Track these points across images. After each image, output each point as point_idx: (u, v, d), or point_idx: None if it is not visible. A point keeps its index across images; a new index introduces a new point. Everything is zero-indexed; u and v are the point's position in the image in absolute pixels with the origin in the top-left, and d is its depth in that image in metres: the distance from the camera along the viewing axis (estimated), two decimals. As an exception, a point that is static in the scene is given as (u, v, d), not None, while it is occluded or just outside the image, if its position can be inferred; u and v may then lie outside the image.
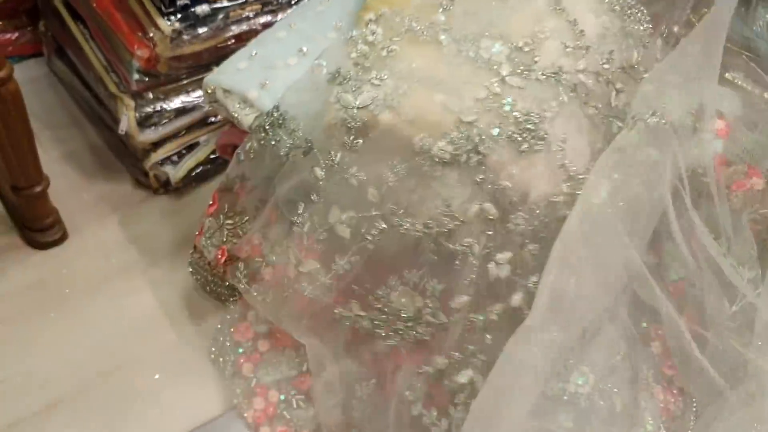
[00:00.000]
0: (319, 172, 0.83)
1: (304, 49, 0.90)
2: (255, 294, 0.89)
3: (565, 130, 0.84)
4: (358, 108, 0.81)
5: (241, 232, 0.90)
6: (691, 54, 0.83)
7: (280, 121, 0.85)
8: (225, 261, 0.91)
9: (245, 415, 0.91)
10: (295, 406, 0.92)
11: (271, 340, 0.97)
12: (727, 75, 1.00)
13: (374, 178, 0.82)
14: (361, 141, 0.82)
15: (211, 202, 0.94)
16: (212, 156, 1.12)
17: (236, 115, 0.88)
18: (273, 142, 0.85)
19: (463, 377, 0.85)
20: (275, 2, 1.06)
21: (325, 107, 0.83)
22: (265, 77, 0.88)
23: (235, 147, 0.93)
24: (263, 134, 0.86)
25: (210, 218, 0.93)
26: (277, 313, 0.89)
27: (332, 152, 0.82)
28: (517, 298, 0.84)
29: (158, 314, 1.01)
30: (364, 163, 0.82)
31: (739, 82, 0.99)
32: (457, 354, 0.85)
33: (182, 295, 1.03)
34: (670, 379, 0.88)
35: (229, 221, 0.91)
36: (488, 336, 0.84)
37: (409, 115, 0.80)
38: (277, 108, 0.86)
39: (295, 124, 0.85)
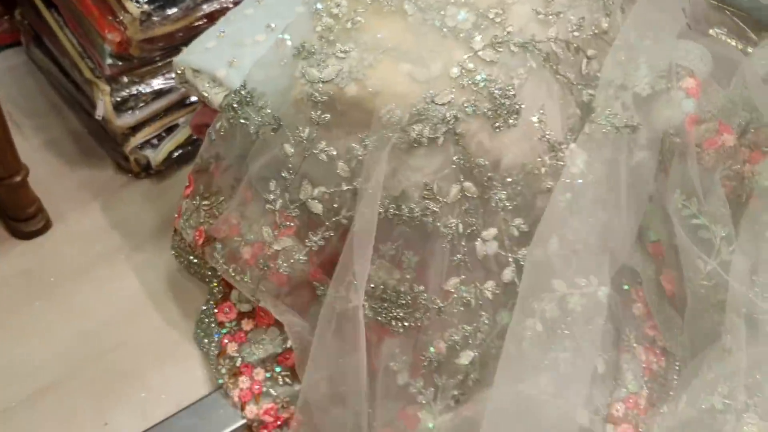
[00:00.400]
0: (289, 149, 0.83)
1: (272, 25, 0.90)
2: (233, 274, 0.89)
3: (540, 100, 0.83)
4: (323, 82, 0.80)
5: (217, 213, 0.90)
6: (652, 11, 0.82)
7: (248, 99, 0.85)
8: (203, 242, 0.91)
9: (231, 394, 0.92)
10: (281, 382, 0.93)
11: (255, 319, 0.97)
12: (710, 31, 0.99)
13: (344, 153, 0.81)
14: (328, 115, 0.81)
15: (187, 184, 0.94)
16: (192, 137, 1.12)
17: (206, 95, 0.88)
18: (242, 120, 0.85)
19: (465, 358, 0.85)
20: (245, -21, 1.05)
21: (292, 82, 0.82)
22: (233, 55, 0.87)
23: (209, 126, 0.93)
24: (232, 113, 0.86)
25: (187, 200, 0.93)
26: (257, 291, 0.89)
27: (300, 128, 0.82)
28: (508, 273, 0.85)
29: (143, 298, 1.02)
30: (333, 137, 0.81)
31: (723, 37, 0.98)
32: (456, 337, 0.85)
33: (167, 277, 1.03)
34: (653, 339, 0.88)
35: (206, 202, 0.91)
36: (484, 314, 0.85)
37: (375, 87, 0.79)
38: (244, 86, 0.85)
39: (263, 101, 0.84)
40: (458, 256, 0.83)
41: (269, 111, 0.84)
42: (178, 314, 1.00)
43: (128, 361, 0.96)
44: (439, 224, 0.82)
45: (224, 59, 0.87)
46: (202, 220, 0.91)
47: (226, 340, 0.96)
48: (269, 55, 0.86)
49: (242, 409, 0.91)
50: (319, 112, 0.81)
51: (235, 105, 0.85)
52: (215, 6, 1.04)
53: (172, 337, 0.98)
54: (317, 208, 0.83)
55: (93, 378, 0.94)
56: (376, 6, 0.84)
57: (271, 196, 0.85)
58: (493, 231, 0.83)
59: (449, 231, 0.82)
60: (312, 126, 0.82)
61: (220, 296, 0.99)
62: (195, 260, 1.00)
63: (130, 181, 1.14)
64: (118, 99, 1.05)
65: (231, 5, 1.03)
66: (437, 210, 0.81)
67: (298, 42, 0.84)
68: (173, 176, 1.15)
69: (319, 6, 0.86)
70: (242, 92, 0.85)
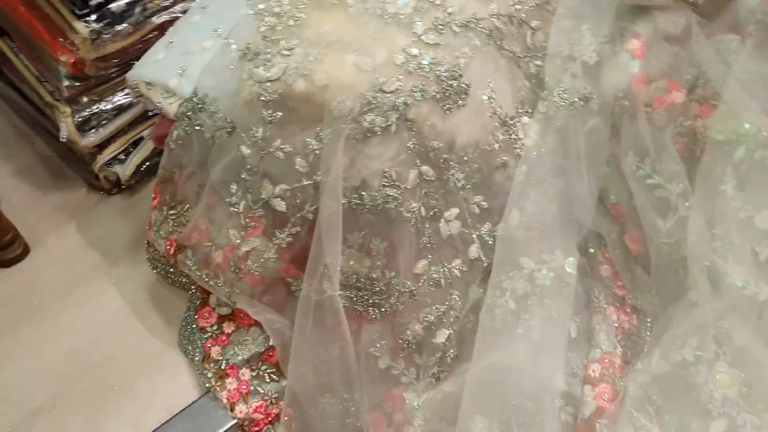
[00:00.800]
0: (245, 150, 0.84)
1: (220, 30, 0.90)
2: (206, 279, 0.90)
3: (487, 77, 0.84)
4: (271, 81, 0.81)
5: (185, 221, 0.92)
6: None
7: (200, 105, 0.86)
8: (174, 251, 0.92)
9: (219, 396, 0.94)
10: (267, 380, 0.94)
11: (236, 321, 0.98)
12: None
13: (300, 148, 0.82)
14: (280, 113, 0.82)
15: (153, 195, 0.95)
16: (158, 149, 1.13)
17: (161, 106, 0.89)
18: (197, 127, 0.86)
19: (441, 337, 0.87)
20: (190, -14, 1.06)
21: (240, 85, 0.83)
22: (183, 64, 0.88)
23: (171, 136, 0.94)
24: (187, 121, 0.87)
25: (155, 211, 0.94)
26: (232, 294, 0.91)
27: (254, 128, 0.83)
28: (473, 250, 0.86)
29: (126, 311, 1.03)
30: (288, 134, 0.82)
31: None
32: (430, 317, 0.87)
33: (147, 289, 1.05)
34: (622, 299, 0.90)
35: (173, 211, 0.93)
36: (454, 292, 0.86)
37: (322, 81, 0.80)
38: (195, 93, 0.86)
39: (215, 106, 0.85)
40: (424, 239, 0.85)
41: (222, 115, 0.85)
42: (161, 324, 1.02)
43: (117, 375, 0.97)
44: (402, 209, 0.83)
45: (175, 69, 0.88)
46: (171, 230, 0.93)
47: (209, 345, 0.97)
48: (216, 60, 0.87)
49: (232, 410, 0.93)
50: (270, 111, 0.82)
51: (189, 113, 0.86)
52: (165, 17, 1.04)
53: (158, 347, 1.00)
54: (281, 205, 0.84)
55: (84, 395, 0.96)
56: (317, 0, 0.85)
57: (234, 199, 0.86)
58: (454, 211, 0.85)
59: (412, 215, 0.84)
60: (265, 125, 0.83)
61: (198, 302, 1.00)
62: (171, 270, 1.01)
63: (102, 198, 1.15)
64: (80, 119, 1.06)
65: (181, 14, 1.04)
66: (398, 196, 0.83)
67: (243, 44, 0.85)
68: (144, 189, 1.16)
69: (261, 6, 0.86)
70: (194, 99, 0.86)
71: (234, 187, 0.86)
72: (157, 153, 1.14)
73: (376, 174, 0.83)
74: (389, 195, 0.83)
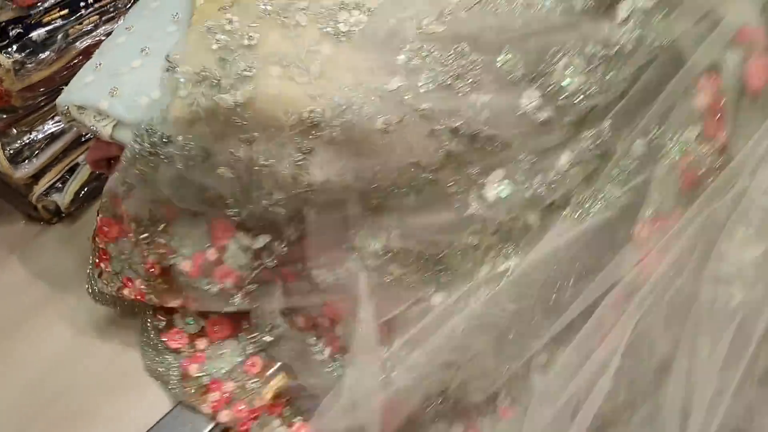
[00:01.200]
0: (227, 173, 0.84)
1: (147, 48, 0.91)
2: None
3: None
4: (237, 104, 0.80)
5: (164, 240, 0.92)
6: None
7: (165, 140, 0.84)
8: (160, 272, 0.93)
9: (201, 408, 0.94)
10: (249, 388, 0.95)
11: (208, 336, 0.99)
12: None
13: (282, 160, 0.83)
14: (255, 133, 0.82)
15: (104, 228, 0.95)
16: (96, 173, 1.12)
17: (95, 128, 0.88)
18: (165, 160, 0.84)
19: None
20: (111, 10, 1.06)
21: (201, 110, 0.82)
22: (113, 85, 0.88)
23: (107, 159, 0.94)
24: (153, 157, 0.85)
25: (115, 243, 0.94)
26: (204, 301, 0.92)
27: (233, 150, 0.83)
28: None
29: (81, 340, 1.03)
30: (266, 150, 0.82)
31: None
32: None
33: (100, 316, 1.04)
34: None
35: (144, 234, 0.92)
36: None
37: (278, 100, 0.80)
38: (152, 127, 0.84)
39: (183, 137, 0.83)
40: None
41: (193, 144, 0.83)
42: (118, 346, 1.02)
43: (80, 402, 0.97)
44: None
45: (105, 90, 0.88)
46: (146, 253, 0.93)
47: (185, 364, 0.98)
48: (169, 89, 0.83)
49: (215, 418, 0.94)
50: (244, 135, 0.82)
51: (151, 149, 0.84)
52: (88, 42, 1.04)
53: (119, 370, 1.00)
54: (280, 212, 0.86)
55: (49, 426, 0.95)
56: (269, 19, 0.84)
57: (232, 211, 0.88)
58: None
59: None
60: (243, 145, 0.82)
61: (163, 325, 1.00)
62: (115, 296, 1.00)
63: (43, 229, 1.14)
64: (12, 152, 1.05)
65: (104, 37, 1.03)
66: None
67: (198, 68, 0.82)
68: (86, 214, 1.15)
69: (210, 24, 0.85)
70: (156, 134, 0.84)
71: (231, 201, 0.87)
72: (95, 177, 1.14)
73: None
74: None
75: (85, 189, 1.13)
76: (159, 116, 0.84)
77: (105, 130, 0.88)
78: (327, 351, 0.95)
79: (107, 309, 1.04)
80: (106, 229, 0.95)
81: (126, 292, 0.97)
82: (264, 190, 0.85)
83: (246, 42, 0.83)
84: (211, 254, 0.92)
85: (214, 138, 0.83)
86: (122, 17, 1.06)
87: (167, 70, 0.84)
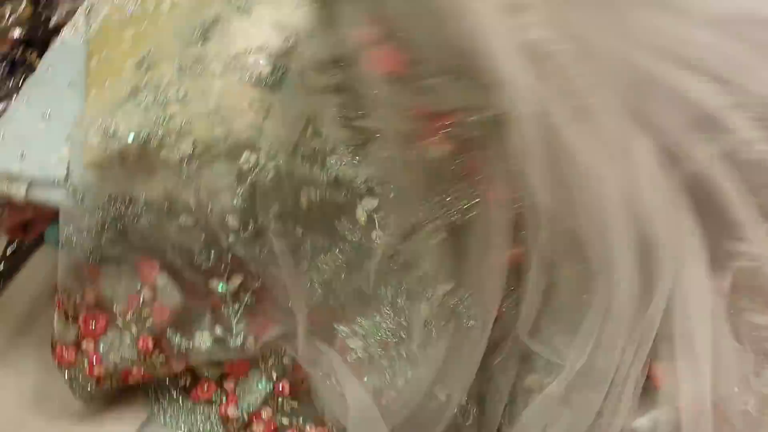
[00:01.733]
0: (187, 220, 0.89)
1: (48, 112, 0.96)
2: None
3: None
4: (186, 162, 0.85)
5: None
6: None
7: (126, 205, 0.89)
8: (153, 345, 0.94)
9: None
10: (287, 409, 0.97)
11: (232, 375, 0.99)
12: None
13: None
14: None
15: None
16: (8, 251, 1.13)
17: (9, 193, 0.92)
18: (125, 220, 0.89)
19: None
20: (2, 91, 1.10)
21: (161, 173, 0.87)
22: (20, 149, 0.92)
23: (24, 223, 0.97)
24: (116, 222, 0.89)
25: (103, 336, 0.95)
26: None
27: (191, 200, 0.88)
28: None
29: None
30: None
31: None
32: None
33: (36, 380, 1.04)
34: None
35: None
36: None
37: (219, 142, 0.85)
38: (114, 198, 0.89)
39: (139, 203, 0.88)
40: None
41: (151, 204, 0.88)
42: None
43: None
44: None
45: (14, 155, 0.91)
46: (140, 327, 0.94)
47: (223, 410, 0.99)
48: (109, 158, 0.87)
49: None
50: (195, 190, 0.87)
51: (116, 216, 0.89)
52: (-14, 118, 1.07)
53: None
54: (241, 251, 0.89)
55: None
56: (191, 71, 0.88)
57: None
58: None
59: None
60: (199, 194, 0.87)
61: (189, 381, 1.00)
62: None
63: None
64: None
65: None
66: None
67: (144, 133, 0.86)
68: (4, 295, 1.15)
69: (138, 83, 0.89)
70: (117, 207, 0.88)
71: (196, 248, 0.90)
72: (6, 257, 1.14)
73: None
74: None
75: (1, 266, 1.13)
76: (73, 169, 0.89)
77: (20, 191, 0.91)
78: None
79: (43, 376, 1.04)
80: (92, 325, 0.95)
81: (131, 380, 0.97)
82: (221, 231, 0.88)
83: (181, 96, 0.87)
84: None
85: (172, 195, 0.87)
86: (14, 96, 1.10)
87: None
